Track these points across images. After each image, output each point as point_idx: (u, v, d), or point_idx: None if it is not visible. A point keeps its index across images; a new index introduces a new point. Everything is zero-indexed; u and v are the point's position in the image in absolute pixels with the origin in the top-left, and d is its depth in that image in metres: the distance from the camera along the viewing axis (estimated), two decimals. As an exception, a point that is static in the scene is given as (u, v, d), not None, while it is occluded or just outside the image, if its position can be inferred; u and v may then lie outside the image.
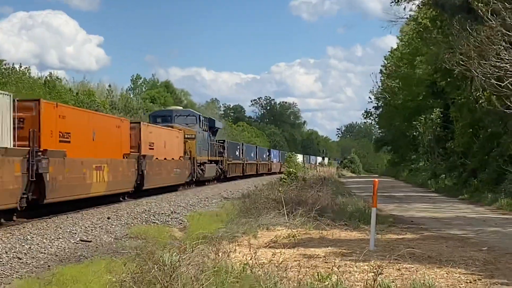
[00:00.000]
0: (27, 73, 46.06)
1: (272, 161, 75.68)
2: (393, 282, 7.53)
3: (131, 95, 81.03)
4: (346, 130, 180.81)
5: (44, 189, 16.90)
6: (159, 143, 29.07)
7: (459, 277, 8.43)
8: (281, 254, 9.38)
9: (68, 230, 15.27)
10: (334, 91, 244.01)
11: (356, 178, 62.00)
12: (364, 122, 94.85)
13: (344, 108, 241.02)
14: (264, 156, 72.51)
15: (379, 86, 60.04)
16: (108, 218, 18.09)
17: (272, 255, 9.02)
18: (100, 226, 16.23)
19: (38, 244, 13.11)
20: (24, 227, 15.49)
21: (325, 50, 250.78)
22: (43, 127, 17.24)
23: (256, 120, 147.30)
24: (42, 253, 12.24)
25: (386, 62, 59.97)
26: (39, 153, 16.64)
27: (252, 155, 63.55)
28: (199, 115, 39.55)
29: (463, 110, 32.99)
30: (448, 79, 32.80)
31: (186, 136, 34.69)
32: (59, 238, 14.07)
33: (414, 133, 51.31)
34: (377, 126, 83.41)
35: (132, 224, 16.89)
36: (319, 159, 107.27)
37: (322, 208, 15.94)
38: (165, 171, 29.74)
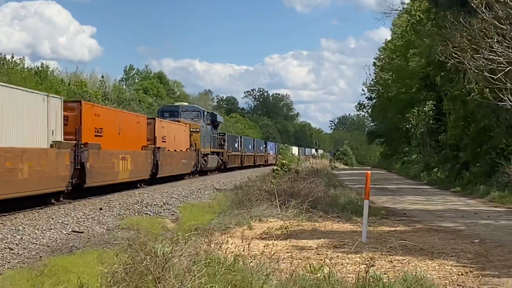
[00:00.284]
0: (21, 64, 45.75)
1: (268, 153, 77.96)
2: (385, 274, 7.53)
3: (124, 86, 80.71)
4: (339, 122, 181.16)
5: (85, 176, 20.48)
6: (170, 136, 32.26)
7: (450, 269, 8.45)
8: (273, 245, 9.37)
9: (60, 221, 15.25)
10: (327, 83, 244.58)
11: (348, 170, 62.06)
12: (357, 115, 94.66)
13: (337, 100, 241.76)
14: (261, 148, 74.12)
15: (372, 79, 60.04)
16: (100, 209, 18.09)
17: (265, 246, 9.01)
18: (92, 217, 16.21)
19: (30, 234, 13.08)
20: (15, 218, 15.46)
21: (318, 42, 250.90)
22: (84, 124, 20.54)
23: (249, 111, 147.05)
24: (34, 243, 12.21)
25: (379, 54, 59.89)
26: (82, 146, 20.16)
27: (250, 147, 65.27)
28: (203, 111, 43.01)
29: (456, 102, 33.03)
30: (441, 72, 32.81)
31: (191, 129, 37.94)
32: (51, 228, 14.05)
33: (407, 126, 51.28)
34: (370, 119, 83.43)
35: (125, 215, 16.89)
36: (314, 151, 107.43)
37: (314, 200, 15.93)
38: (175, 162, 33.02)
